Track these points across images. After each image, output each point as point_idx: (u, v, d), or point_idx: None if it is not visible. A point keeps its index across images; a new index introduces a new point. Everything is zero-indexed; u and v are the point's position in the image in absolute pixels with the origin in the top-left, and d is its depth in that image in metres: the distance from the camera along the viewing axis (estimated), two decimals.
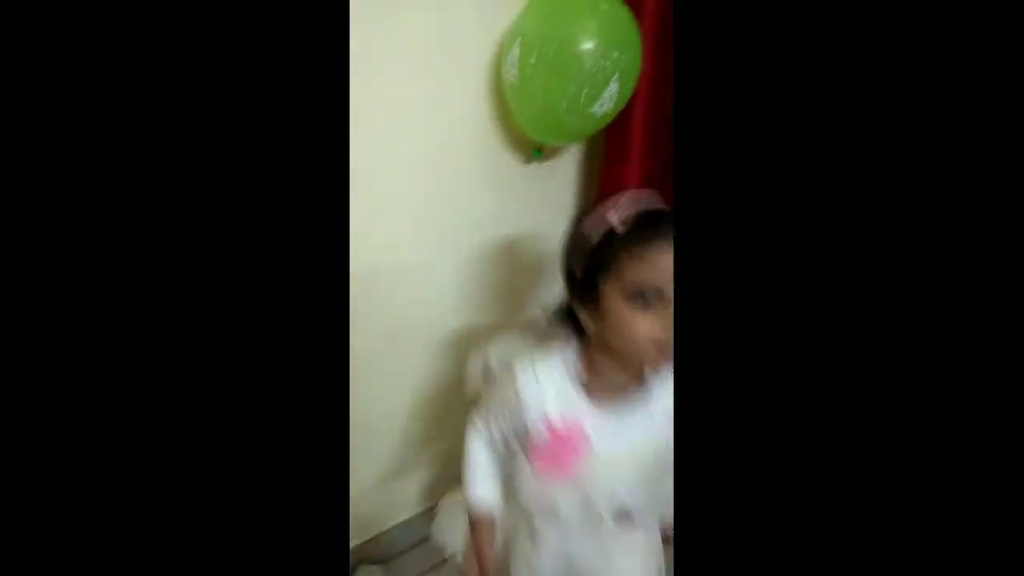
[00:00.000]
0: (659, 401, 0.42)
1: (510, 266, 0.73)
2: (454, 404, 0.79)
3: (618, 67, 0.46)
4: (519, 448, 0.45)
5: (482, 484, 0.48)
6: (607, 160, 0.63)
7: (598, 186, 0.68)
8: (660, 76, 0.56)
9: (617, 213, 0.38)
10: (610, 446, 0.41)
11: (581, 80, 0.46)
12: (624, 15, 0.48)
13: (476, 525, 0.47)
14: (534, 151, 0.62)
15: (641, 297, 0.36)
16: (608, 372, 0.41)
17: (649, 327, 0.36)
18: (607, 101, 0.49)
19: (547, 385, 0.42)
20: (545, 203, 0.71)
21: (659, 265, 0.35)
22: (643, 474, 0.42)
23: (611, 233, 0.37)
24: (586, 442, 0.40)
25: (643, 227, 0.37)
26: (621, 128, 0.58)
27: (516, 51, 0.48)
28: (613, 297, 0.37)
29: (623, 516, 0.45)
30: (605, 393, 0.42)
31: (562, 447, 0.40)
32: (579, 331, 0.43)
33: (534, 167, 0.67)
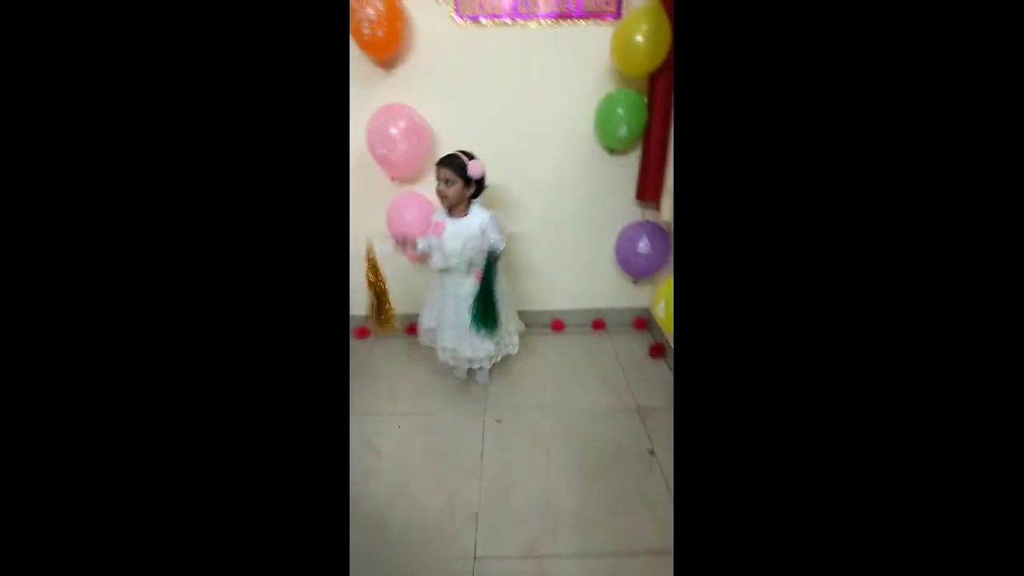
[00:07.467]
0: (472, 219, 1.31)
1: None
2: None
3: (624, 120, 1.45)
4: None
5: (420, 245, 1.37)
6: (643, 155, 1.59)
7: (642, 167, 1.59)
8: (660, 121, 1.45)
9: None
10: (453, 230, 1.30)
11: (615, 125, 1.46)
12: (636, 98, 1.44)
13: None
14: (608, 150, 1.59)
15: (442, 183, 1.28)
16: (453, 207, 1.33)
17: (442, 190, 1.28)
18: (622, 134, 1.47)
19: (438, 215, 1.35)
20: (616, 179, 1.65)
21: (441, 175, 1.27)
22: (469, 245, 1.29)
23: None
24: (443, 225, 1.31)
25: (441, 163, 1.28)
26: (645, 142, 1.54)
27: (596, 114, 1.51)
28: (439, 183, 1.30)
29: (469, 265, 1.33)
30: (453, 215, 1.33)
31: (438, 226, 1.32)
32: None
33: (614, 158, 1.61)
